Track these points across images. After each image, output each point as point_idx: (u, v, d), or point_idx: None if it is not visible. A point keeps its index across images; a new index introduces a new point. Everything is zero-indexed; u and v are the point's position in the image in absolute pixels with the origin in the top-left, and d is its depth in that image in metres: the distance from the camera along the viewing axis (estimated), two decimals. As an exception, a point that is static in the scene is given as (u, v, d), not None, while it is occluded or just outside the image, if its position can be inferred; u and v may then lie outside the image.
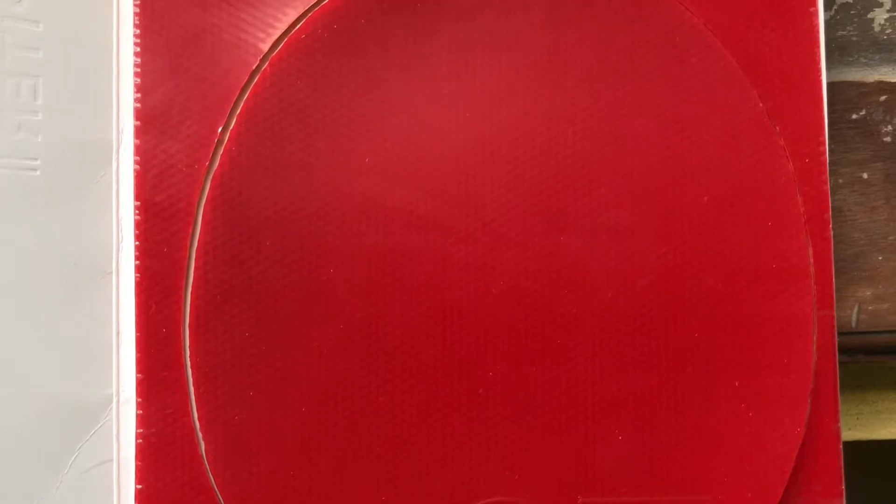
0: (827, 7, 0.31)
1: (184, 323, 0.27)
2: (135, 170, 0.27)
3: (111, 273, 0.28)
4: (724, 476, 0.28)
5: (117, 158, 0.28)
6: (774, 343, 0.28)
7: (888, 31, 0.31)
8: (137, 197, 0.27)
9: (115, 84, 0.28)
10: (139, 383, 0.27)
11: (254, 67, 0.28)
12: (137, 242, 0.27)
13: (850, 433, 0.34)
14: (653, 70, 0.28)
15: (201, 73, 0.28)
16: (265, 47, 0.28)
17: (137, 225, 0.27)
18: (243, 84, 0.28)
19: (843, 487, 0.28)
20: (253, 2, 0.28)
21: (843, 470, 0.29)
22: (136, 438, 0.27)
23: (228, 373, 0.27)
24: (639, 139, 0.28)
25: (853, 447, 0.32)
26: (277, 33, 0.28)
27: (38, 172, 0.27)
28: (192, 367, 0.27)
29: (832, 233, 0.29)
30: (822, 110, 0.29)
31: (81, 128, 0.28)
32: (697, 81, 0.28)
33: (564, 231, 0.28)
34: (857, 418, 0.34)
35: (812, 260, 0.28)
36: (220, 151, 0.27)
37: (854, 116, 0.31)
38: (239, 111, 0.27)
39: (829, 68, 0.30)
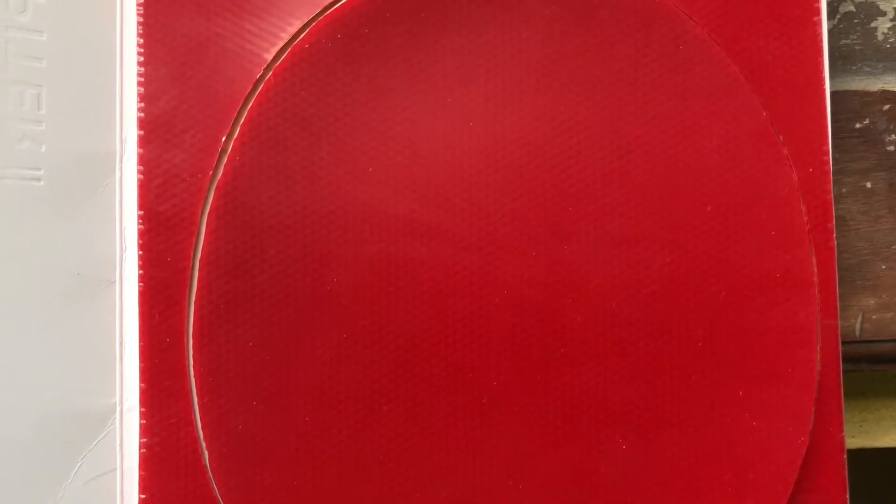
0: (830, 16, 0.31)
1: (187, 332, 0.27)
2: (138, 179, 0.27)
3: (115, 282, 0.28)
4: (728, 485, 0.28)
5: (121, 168, 0.28)
6: (778, 352, 0.28)
7: (891, 39, 0.31)
8: (141, 206, 0.27)
9: (118, 93, 0.28)
10: (143, 393, 0.27)
11: (257, 77, 0.28)
12: (141, 252, 0.27)
13: (853, 441, 0.34)
14: (656, 79, 0.28)
15: (205, 82, 0.28)
16: (269, 57, 0.28)
17: (141, 234, 0.27)
18: (247, 93, 0.27)
19: (848, 497, 0.28)
20: (257, 11, 0.28)
21: (847, 479, 0.28)
22: (140, 448, 0.27)
23: (232, 382, 0.27)
24: (642, 148, 0.28)
25: (856, 455, 0.32)
26: (281, 43, 0.28)
27: (41, 182, 0.27)
28: (195, 377, 0.27)
29: (836, 242, 0.29)
30: (825, 119, 0.29)
31: (85, 137, 0.27)
32: (701, 91, 0.28)
33: (568, 240, 0.28)
34: (860, 426, 0.34)
35: (816, 269, 0.28)
36: (224, 161, 0.27)
37: (857, 125, 0.31)
38: (242, 120, 0.27)
39: (832, 77, 0.30)
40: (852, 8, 0.31)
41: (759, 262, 0.28)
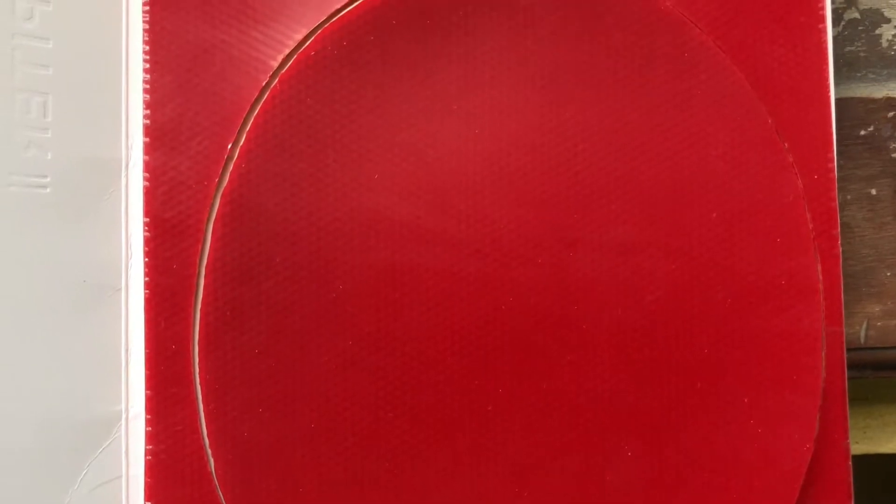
0: (835, 23, 0.31)
1: (193, 339, 0.27)
2: (144, 186, 0.27)
3: (120, 290, 0.28)
4: (733, 492, 0.28)
5: (126, 175, 0.28)
6: (783, 359, 0.28)
7: (896, 46, 0.31)
8: (147, 213, 0.27)
9: (124, 100, 0.28)
10: (148, 400, 0.27)
11: (263, 84, 0.28)
12: (147, 259, 0.27)
13: (857, 447, 0.34)
14: (662, 86, 0.28)
15: (211, 89, 0.28)
16: (275, 64, 0.28)
17: (147, 241, 0.27)
18: (253, 100, 0.28)
19: (853, 503, 0.29)
20: (262, 18, 0.28)
21: (852, 486, 0.29)
22: (146, 455, 0.27)
23: (238, 389, 0.27)
24: (648, 155, 0.28)
25: (860, 461, 0.32)
26: (287, 50, 0.28)
27: (47, 189, 0.27)
28: (201, 384, 0.27)
29: (841, 249, 0.29)
30: (830, 126, 0.29)
31: (91, 144, 0.28)
32: (706, 97, 0.28)
33: (573, 247, 0.28)
34: (864, 432, 0.34)
35: (821, 276, 0.28)
36: (230, 168, 0.27)
37: (862, 132, 0.31)
38: (248, 127, 0.27)
39: (837, 84, 0.30)
40: (857, 15, 0.31)
41: (764, 269, 0.28)
